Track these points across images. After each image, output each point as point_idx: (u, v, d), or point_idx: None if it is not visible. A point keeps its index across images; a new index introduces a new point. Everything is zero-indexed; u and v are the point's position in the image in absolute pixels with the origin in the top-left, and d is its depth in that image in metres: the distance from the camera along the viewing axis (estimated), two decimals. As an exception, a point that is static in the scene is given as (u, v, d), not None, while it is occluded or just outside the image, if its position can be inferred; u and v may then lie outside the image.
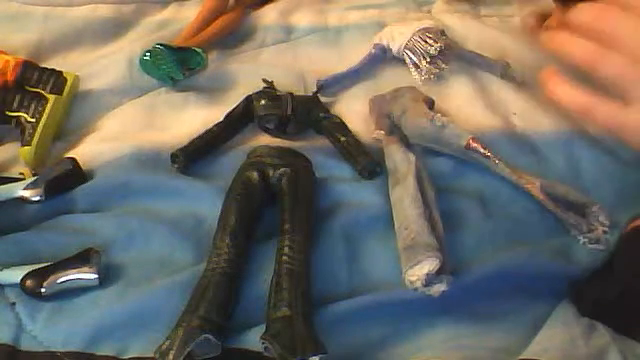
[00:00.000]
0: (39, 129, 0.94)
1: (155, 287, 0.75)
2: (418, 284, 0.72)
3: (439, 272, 0.72)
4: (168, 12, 1.29)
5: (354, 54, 1.15)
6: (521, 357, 0.68)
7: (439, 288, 0.72)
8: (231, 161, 0.92)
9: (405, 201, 0.81)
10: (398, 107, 0.99)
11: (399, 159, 0.89)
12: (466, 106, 1.05)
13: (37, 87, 1.00)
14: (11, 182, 0.86)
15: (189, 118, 1.03)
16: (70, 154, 0.93)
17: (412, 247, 0.75)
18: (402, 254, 0.76)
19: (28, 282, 0.74)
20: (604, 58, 0.58)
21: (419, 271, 0.72)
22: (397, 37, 1.14)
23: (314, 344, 0.66)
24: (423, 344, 0.71)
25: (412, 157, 0.88)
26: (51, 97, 0.98)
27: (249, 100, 1.02)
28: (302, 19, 1.27)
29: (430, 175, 0.87)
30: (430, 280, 0.72)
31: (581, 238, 0.83)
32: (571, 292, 0.76)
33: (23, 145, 0.94)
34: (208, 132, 0.97)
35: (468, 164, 0.92)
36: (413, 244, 0.75)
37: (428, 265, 0.72)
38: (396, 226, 0.80)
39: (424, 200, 0.81)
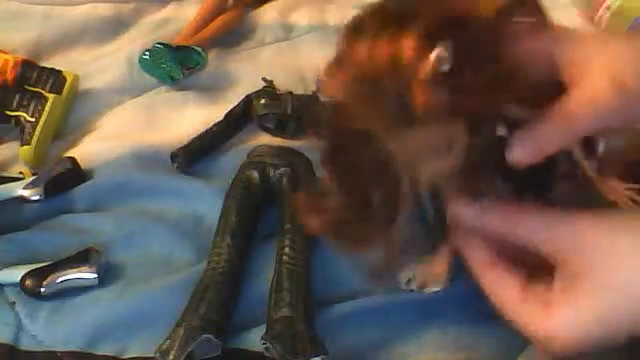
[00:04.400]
0: (39, 128, 0.94)
1: (155, 287, 0.75)
2: (414, 285, 0.72)
3: (439, 272, 0.72)
4: (168, 11, 1.29)
5: (354, 53, 1.15)
6: (521, 357, 0.68)
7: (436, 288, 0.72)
8: (231, 161, 0.92)
9: (405, 201, 0.81)
10: (398, 106, 0.98)
11: (399, 159, 0.88)
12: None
13: (36, 86, 1.00)
14: (11, 181, 0.86)
15: (189, 117, 1.02)
16: (69, 153, 0.93)
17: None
18: (402, 254, 0.76)
19: (28, 282, 0.74)
20: None
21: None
22: (397, 36, 1.13)
23: (315, 345, 0.66)
24: (423, 345, 0.71)
25: (412, 157, 0.88)
26: (50, 96, 0.97)
27: (249, 99, 1.01)
28: (302, 18, 1.27)
29: (430, 175, 0.87)
30: (429, 280, 0.72)
31: (581, 238, 0.83)
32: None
33: (23, 144, 0.93)
34: (208, 131, 0.96)
35: (468, 164, 0.92)
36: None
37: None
38: (396, 226, 0.80)
39: (424, 200, 0.81)
